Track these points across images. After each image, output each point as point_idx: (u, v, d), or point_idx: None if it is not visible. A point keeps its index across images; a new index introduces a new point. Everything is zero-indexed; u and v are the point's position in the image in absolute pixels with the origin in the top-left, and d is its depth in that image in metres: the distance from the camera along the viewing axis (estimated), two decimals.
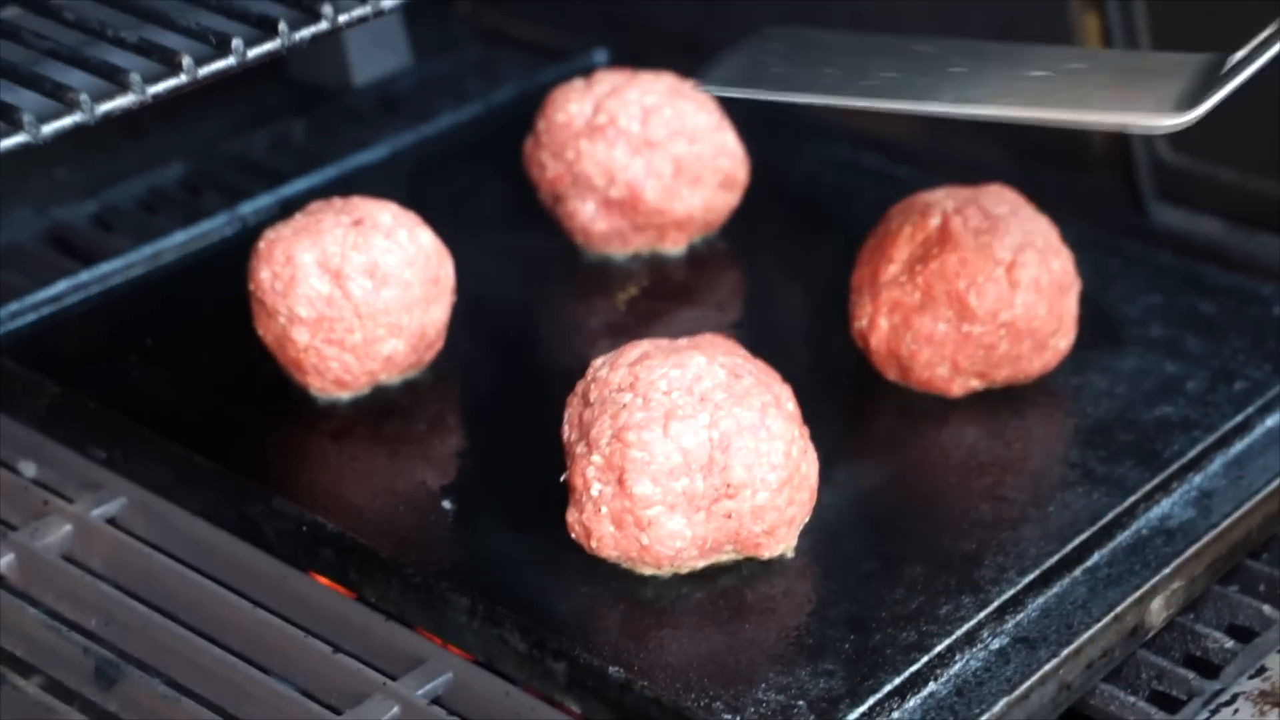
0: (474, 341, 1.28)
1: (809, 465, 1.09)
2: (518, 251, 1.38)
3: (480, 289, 1.30)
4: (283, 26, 1.10)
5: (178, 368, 1.27)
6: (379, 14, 1.16)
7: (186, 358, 1.27)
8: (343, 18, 1.13)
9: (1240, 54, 1.07)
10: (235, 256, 1.32)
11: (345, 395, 1.23)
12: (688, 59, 1.56)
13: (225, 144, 1.59)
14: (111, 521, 1.18)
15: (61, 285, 1.33)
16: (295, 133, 1.61)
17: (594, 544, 1.08)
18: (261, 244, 1.22)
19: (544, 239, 1.39)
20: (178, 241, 1.39)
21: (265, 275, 1.21)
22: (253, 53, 1.09)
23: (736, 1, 1.60)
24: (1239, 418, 1.18)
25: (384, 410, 1.23)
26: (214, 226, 1.41)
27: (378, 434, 1.21)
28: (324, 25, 1.13)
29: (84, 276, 1.34)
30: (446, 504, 1.15)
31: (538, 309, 1.35)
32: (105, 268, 1.35)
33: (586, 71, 1.56)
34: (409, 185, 1.45)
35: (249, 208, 1.42)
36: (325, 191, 1.43)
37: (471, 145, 1.52)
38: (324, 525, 1.12)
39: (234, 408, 1.23)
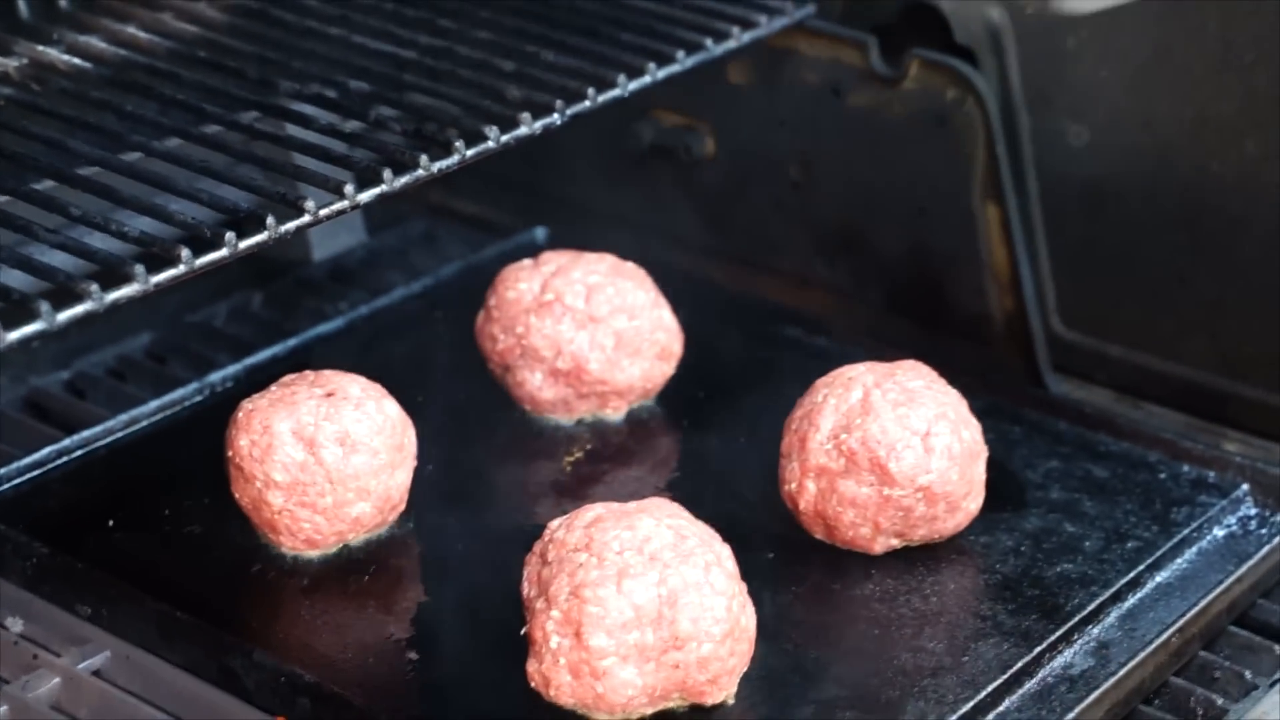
0: (433, 502, 1.38)
1: (748, 619, 1.20)
2: (470, 417, 1.49)
3: (438, 453, 1.40)
4: (270, 220, 1.21)
5: (156, 528, 1.35)
6: (355, 207, 1.27)
7: (164, 518, 1.36)
8: (324, 211, 1.25)
9: None
10: (205, 422, 1.42)
11: (315, 554, 1.33)
12: (620, 235, 1.69)
13: (189, 315, 1.68)
14: (98, 674, 1.26)
15: (45, 451, 1.41)
16: (255, 304, 1.71)
17: (552, 692, 1.18)
18: (240, 414, 1.32)
19: (494, 406, 1.49)
20: (151, 408, 1.48)
21: (244, 443, 1.31)
22: (243, 244, 1.20)
23: (661, 185, 1.73)
24: (1131, 574, 1.29)
25: (351, 568, 1.32)
26: (185, 394, 1.50)
27: (346, 590, 1.30)
28: (307, 219, 1.24)
29: (66, 442, 1.42)
30: (413, 655, 1.24)
31: (490, 471, 1.45)
32: (86, 434, 1.43)
33: (527, 247, 1.68)
34: (366, 354, 1.54)
35: (217, 376, 1.52)
36: (287, 360, 1.53)
37: (422, 316, 1.62)
38: (301, 676, 1.21)
39: (210, 566, 1.32)
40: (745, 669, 1.20)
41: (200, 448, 1.39)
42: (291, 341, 1.57)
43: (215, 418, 1.37)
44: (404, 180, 1.29)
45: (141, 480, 1.40)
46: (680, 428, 1.49)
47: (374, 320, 1.62)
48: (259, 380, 1.44)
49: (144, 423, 1.47)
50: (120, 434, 1.45)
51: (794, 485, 1.33)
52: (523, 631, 1.19)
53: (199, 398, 1.50)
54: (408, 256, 1.80)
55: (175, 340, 1.66)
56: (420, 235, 1.84)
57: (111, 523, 1.35)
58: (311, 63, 1.44)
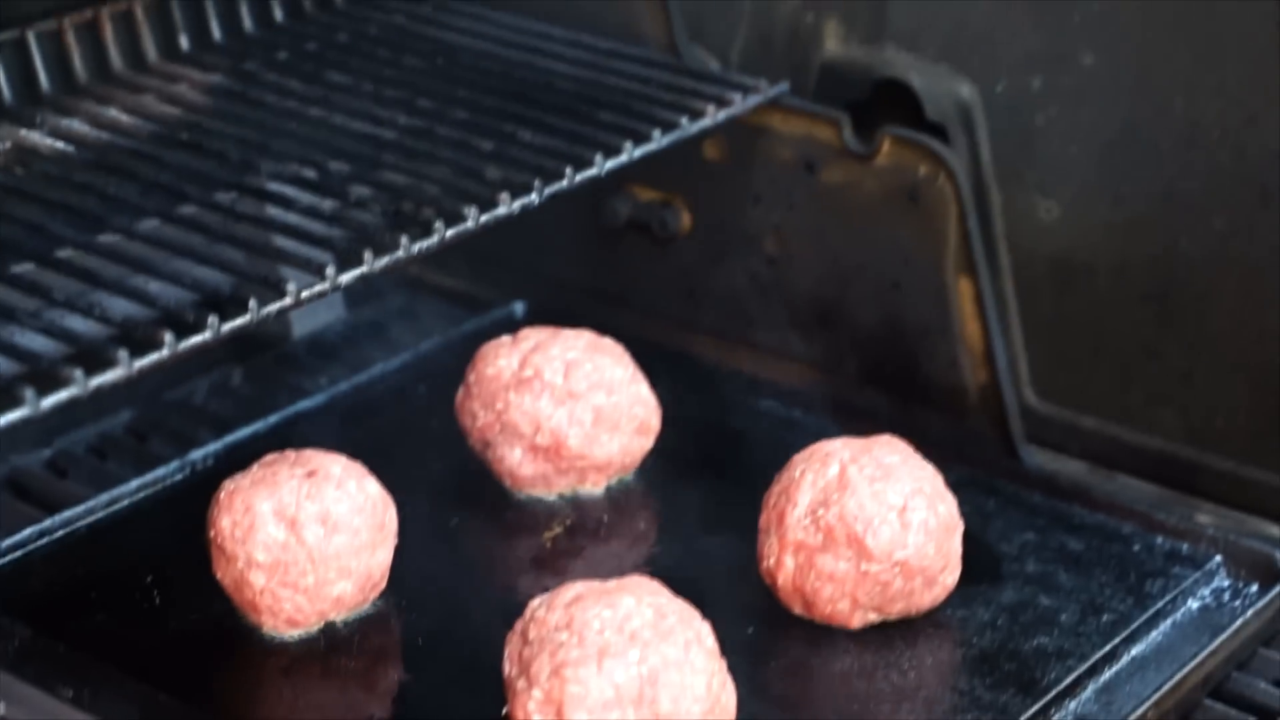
0: (414, 580, 1.38)
1: (728, 696, 1.21)
2: (451, 493, 1.50)
3: (419, 529, 1.41)
4: (253, 303, 1.23)
5: (138, 609, 1.35)
6: (336, 288, 1.29)
7: (146, 598, 1.36)
8: (305, 293, 1.26)
9: None
10: (186, 500, 1.43)
11: (296, 633, 1.33)
12: (597, 309, 1.71)
13: (169, 392, 1.69)
14: None
15: (27, 532, 1.41)
16: (235, 380, 1.72)
17: None
18: (222, 494, 1.33)
19: (475, 481, 1.50)
20: (132, 487, 1.48)
21: (225, 523, 1.32)
22: (226, 327, 1.22)
23: (638, 260, 1.75)
24: (1107, 648, 1.30)
25: (332, 647, 1.32)
26: (166, 472, 1.51)
27: (327, 670, 1.31)
28: (288, 300, 1.26)
29: (48, 523, 1.43)
30: None
31: (471, 547, 1.46)
32: (67, 514, 1.44)
33: (506, 322, 1.70)
34: (347, 430, 1.55)
35: (198, 454, 1.53)
36: (268, 437, 1.54)
37: (402, 392, 1.63)
38: None
39: (192, 647, 1.32)
40: None
41: (182, 527, 1.40)
42: (272, 418, 1.58)
43: (197, 496, 1.38)
44: (384, 261, 1.31)
45: (123, 560, 1.40)
46: (659, 501, 1.50)
47: (354, 396, 1.63)
48: (240, 458, 1.44)
49: (125, 502, 1.47)
50: (102, 513, 1.46)
51: (772, 560, 1.34)
52: (504, 711, 1.20)
53: (180, 476, 1.51)
54: (387, 331, 1.82)
55: (156, 417, 1.67)
56: (399, 310, 1.86)
57: (94, 604, 1.36)
58: (291, 144, 1.46)
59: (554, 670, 1.17)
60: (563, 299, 1.76)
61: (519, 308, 1.74)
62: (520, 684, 1.19)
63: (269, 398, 1.68)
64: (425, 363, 1.68)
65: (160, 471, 1.50)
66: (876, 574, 1.31)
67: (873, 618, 1.33)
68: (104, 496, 1.47)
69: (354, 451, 1.39)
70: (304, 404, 1.61)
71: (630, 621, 1.20)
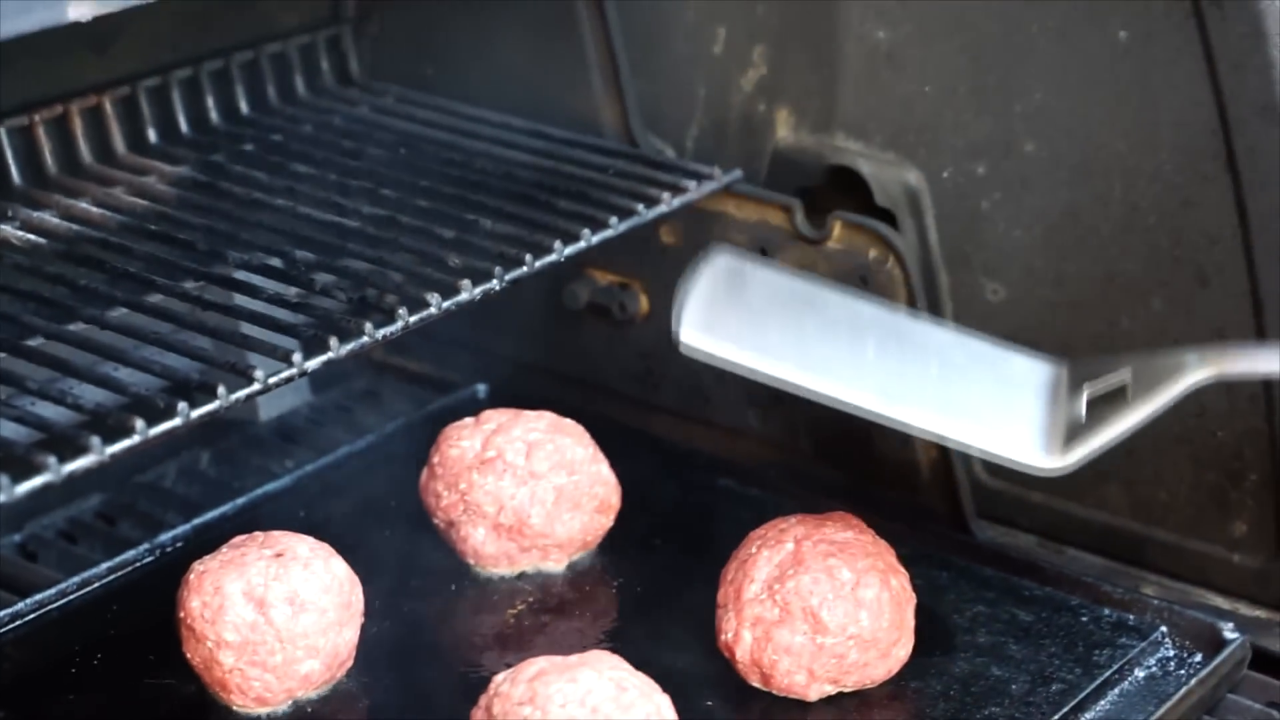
0: (380, 657, 1.41)
1: None
2: (415, 571, 1.52)
3: (384, 607, 1.44)
4: (221, 390, 1.26)
5: (111, 689, 1.38)
6: (303, 374, 1.32)
7: (117, 679, 1.39)
8: (273, 379, 1.30)
9: (1093, 389, 1.27)
10: (155, 581, 1.46)
11: (265, 711, 1.36)
12: (558, 389, 1.75)
13: (138, 475, 1.72)
14: None
15: (1, 614, 1.44)
16: (203, 463, 1.75)
17: None
18: (192, 575, 1.36)
19: (439, 559, 1.53)
20: (103, 570, 1.51)
21: (195, 604, 1.34)
22: (195, 413, 1.25)
23: (597, 341, 1.79)
24: (1056, 717, 1.34)
25: None
26: (135, 555, 1.53)
27: None
28: (256, 387, 1.29)
29: (19, 606, 1.45)
30: None
31: (436, 624, 1.48)
32: (39, 597, 1.46)
33: (469, 403, 1.73)
34: (313, 512, 1.58)
35: (167, 536, 1.55)
36: (235, 519, 1.57)
37: (367, 473, 1.67)
38: None
39: None
40: None
41: (151, 608, 1.43)
42: (240, 500, 1.61)
43: (166, 577, 1.41)
44: (349, 347, 1.34)
45: (95, 641, 1.43)
46: (619, 578, 1.54)
47: (320, 478, 1.66)
48: (208, 539, 1.48)
49: (96, 584, 1.50)
50: (73, 595, 1.48)
51: (730, 634, 1.37)
52: None
53: (150, 558, 1.53)
54: (352, 414, 1.85)
55: (126, 501, 1.70)
56: (363, 392, 1.89)
57: (66, 685, 1.38)
58: (258, 233, 1.50)
59: None
60: (524, 380, 1.80)
61: (481, 389, 1.78)
62: None
63: (236, 480, 1.71)
64: (389, 444, 1.71)
65: (130, 554, 1.53)
66: (832, 647, 1.35)
67: (829, 689, 1.37)
68: (75, 579, 1.49)
69: (320, 532, 1.42)
70: (270, 486, 1.64)
71: (591, 695, 1.23)
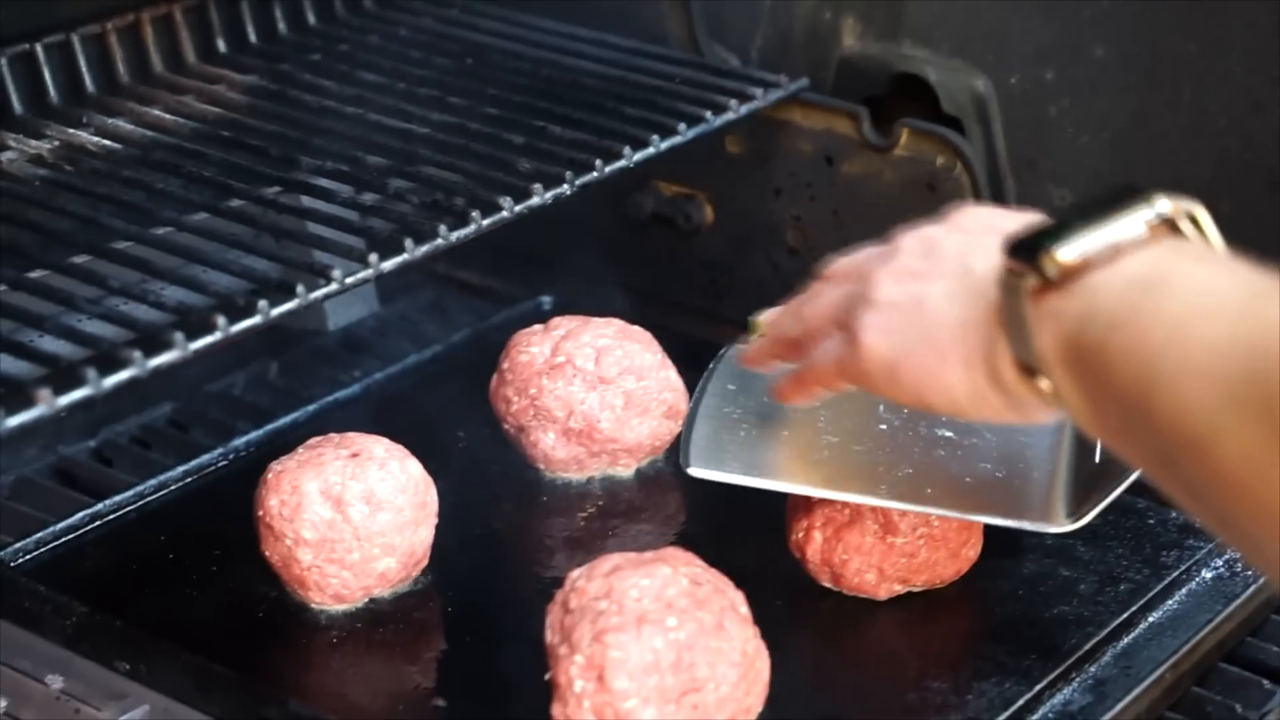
0: (454, 558, 1.43)
1: (762, 661, 1.25)
2: (487, 476, 1.54)
3: (457, 510, 1.46)
4: (300, 289, 1.28)
5: (188, 587, 1.40)
6: (379, 275, 1.34)
7: (195, 578, 1.41)
8: (350, 279, 1.31)
9: None
10: (230, 485, 1.48)
11: (342, 608, 1.38)
12: (622, 301, 1.76)
13: (208, 385, 1.74)
14: None
15: (79, 516, 1.46)
16: (272, 373, 1.77)
17: None
18: (270, 475, 1.38)
19: (509, 464, 1.55)
20: (178, 473, 1.53)
21: (274, 503, 1.36)
22: (275, 311, 1.27)
23: (661, 252, 1.80)
24: (1125, 615, 1.35)
25: (376, 621, 1.37)
26: (210, 459, 1.55)
27: (372, 642, 1.35)
28: (334, 286, 1.30)
29: (99, 507, 1.47)
30: (440, 702, 1.29)
31: (507, 527, 1.51)
32: (117, 499, 1.49)
33: (534, 314, 1.74)
34: (383, 418, 1.58)
35: (240, 441, 1.58)
36: (307, 425, 1.59)
37: (435, 381, 1.68)
38: None
39: (242, 622, 1.37)
40: (760, 709, 1.25)
41: (227, 510, 1.45)
42: (311, 407, 1.63)
43: (240, 481, 1.43)
44: (424, 249, 1.35)
45: (172, 542, 1.45)
46: (687, 483, 1.54)
47: (389, 386, 1.67)
48: (280, 445, 1.49)
49: (173, 487, 1.52)
50: (151, 498, 1.51)
51: (801, 535, 1.39)
52: (546, 677, 1.24)
53: (224, 462, 1.56)
54: (417, 326, 1.86)
55: (196, 409, 1.72)
56: (428, 305, 1.90)
57: (145, 583, 1.40)
58: (329, 140, 1.51)
59: (595, 636, 1.22)
60: (588, 292, 1.81)
61: (546, 301, 1.79)
62: (563, 650, 1.24)
63: (304, 389, 1.73)
64: (456, 354, 1.72)
65: (205, 459, 1.55)
66: (902, 546, 1.36)
67: (898, 589, 1.38)
68: (152, 482, 1.52)
69: (391, 438, 1.44)
70: (341, 393, 1.66)
71: (667, 590, 1.24)
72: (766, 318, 1.31)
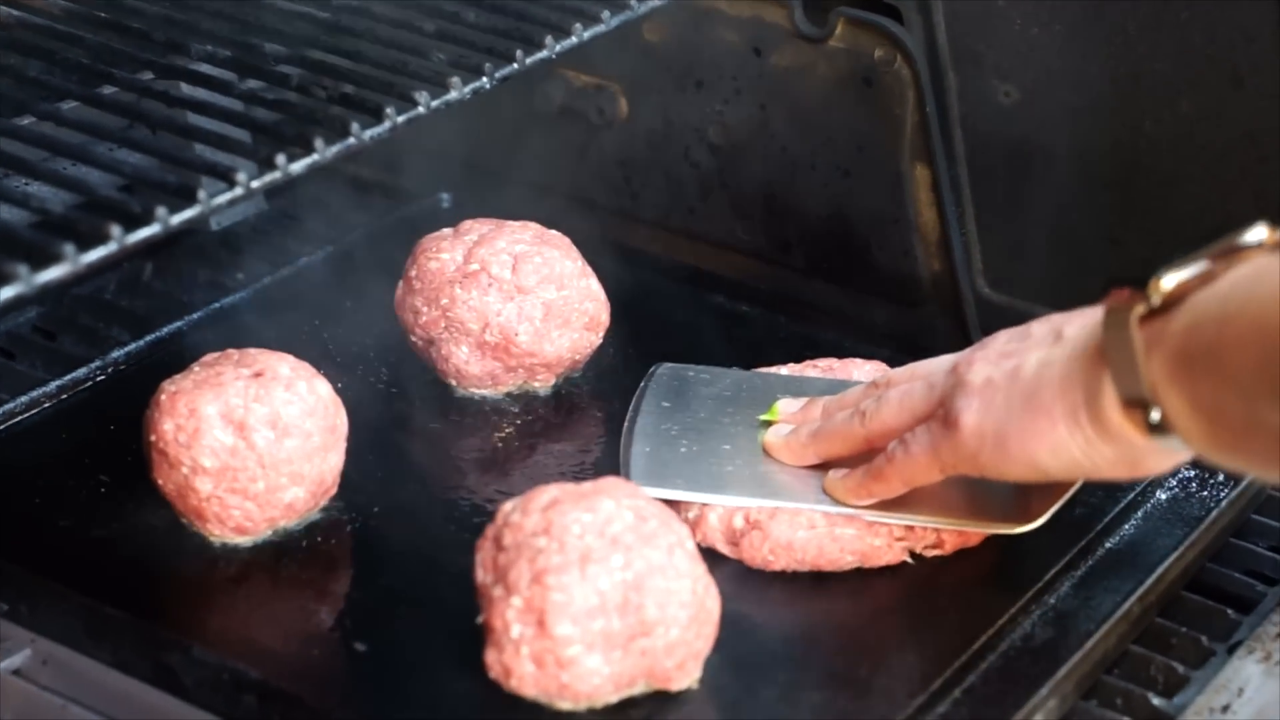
0: (364, 483, 1.32)
1: (712, 601, 1.16)
2: (394, 393, 1.43)
3: (364, 431, 1.35)
4: (201, 194, 1.13)
5: (72, 518, 1.28)
6: (288, 178, 1.20)
7: (80, 508, 1.29)
8: (255, 184, 1.17)
9: None
10: (111, 402, 1.35)
11: (245, 540, 1.26)
12: (527, 200, 1.64)
13: (76, 288, 1.60)
14: (18, 674, 1.19)
15: None
16: (146, 275, 1.62)
17: (513, 683, 1.13)
18: (163, 396, 1.25)
19: (417, 379, 1.44)
20: (52, 389, 1.40)
21: (168, 427, 1.24)
22: (176, 219, 1.11)
23: (570, 148, 1.68)
24: (1082, 542, 1.28)
25: (284, 555, 1.26)
26: (86, 373, 1.42)
27: (280, 579, 1.24)
28: (239, 191, 1.16)
29: None
30: (359, 645, 1.19)
31: (419, 448, 1.40)
32: None
33: (432, 213, 1.63)
34: (277, 328, 1.47)
35: (119, 353, 1.44)
36: (190, 335, 1.47)
37: (330, 286, 1.56)
38: (245, 673, 1.15)
39: (134, 557, 1.25)
40: (708, 653, 1.16)
41: (109, 431, 1.33)
42: (195, 315, 1.50)
43: (121, 397, 1.31)
44: (336, 149, 1.22)
45: (49, 468, 1.32)
46: (608, 399, 1.45)
47: (279, 291, 1.55)
48: (163, 357, 1.38)
49: (45, 405, 1.39)
50: (21, 416, 1.37)
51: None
52: (478, 620, 1.14)
53: (101, 376, 1.43)
54: (302, 224, 1.72)
55: (65, 314, 1.57)
56: (313, 200, 1.76)
57: (26, 515, 1.28)
58: (219, 23, 1.36)
59: (534, 577, 1.12)
60: (490, 189, 1.69)
61: (445, 198, 1.67)
62: (497, 591, 1.14)
63: (184, 293, 1.59)
64: (351, 255, 1.60)
65: (79, 372, 1.42)
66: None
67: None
68: (22, 399, 1.38)
69: (285, 350, 1.31)
70: (227, 299, 1.53)
71: (611, 525, 1.14)
72: (786, 406, 1.30)
